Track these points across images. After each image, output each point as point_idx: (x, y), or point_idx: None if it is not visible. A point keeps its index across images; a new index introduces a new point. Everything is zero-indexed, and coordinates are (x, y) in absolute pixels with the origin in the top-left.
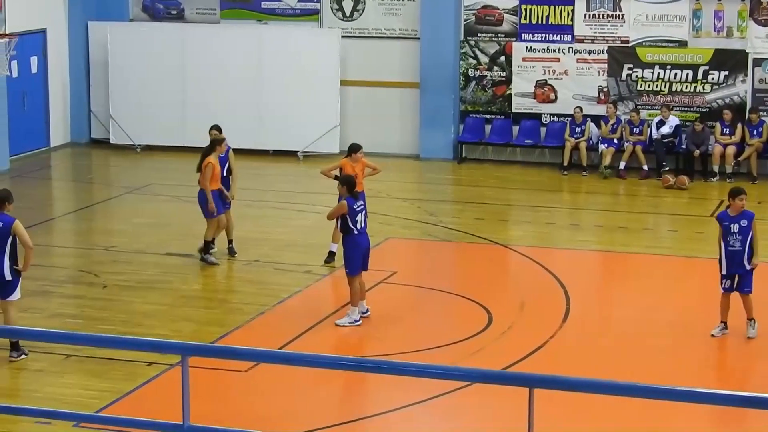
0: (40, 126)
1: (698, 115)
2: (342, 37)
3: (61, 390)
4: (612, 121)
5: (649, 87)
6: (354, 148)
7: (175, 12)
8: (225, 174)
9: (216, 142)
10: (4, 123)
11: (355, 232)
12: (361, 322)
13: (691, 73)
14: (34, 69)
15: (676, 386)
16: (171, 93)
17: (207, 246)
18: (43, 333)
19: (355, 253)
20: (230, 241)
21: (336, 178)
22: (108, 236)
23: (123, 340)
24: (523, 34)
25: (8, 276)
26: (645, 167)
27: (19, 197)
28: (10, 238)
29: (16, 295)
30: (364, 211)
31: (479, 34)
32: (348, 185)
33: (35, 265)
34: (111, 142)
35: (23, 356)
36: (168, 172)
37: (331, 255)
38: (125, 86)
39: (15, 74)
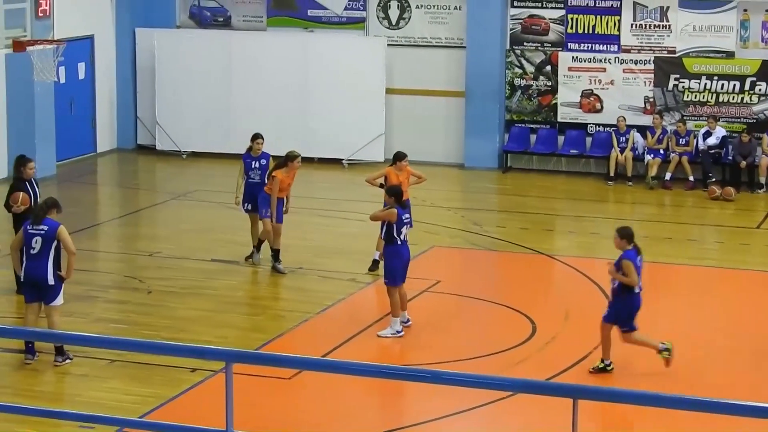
0: (86, 132)
1: (745, 126)
2: (388, 45)
3: (105, 395)
4: (658, 132)
5: (695, 98)
6: (399, 156)
7: (221, 19)
8: (266, 181)
9: (289, 158)
10: (52, 128)
11: (398, 243)
12: (403, 333)
13: (738, 84)
14: (81, 75)
15: (721, 399)
16: (217, 100)
17: (277, 254)
18: (87, 338)
19: (397, 263)
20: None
21: (381, 186)
22: (153, 242)
23: (167, 345)
24: (569, 44)
25: (51, 281)
26: (691, 178)
27: (65, 202)
28: (55, 243)
29: (59, 300)
30: (409, 224)
31: (525, 44)
32: (395, 195)
33: (80, 270)
34: (157, 148)
35: (68, 361)
36: (213, 178)
37: (375, 263)
38: (171, 93)
39: (62, 80)
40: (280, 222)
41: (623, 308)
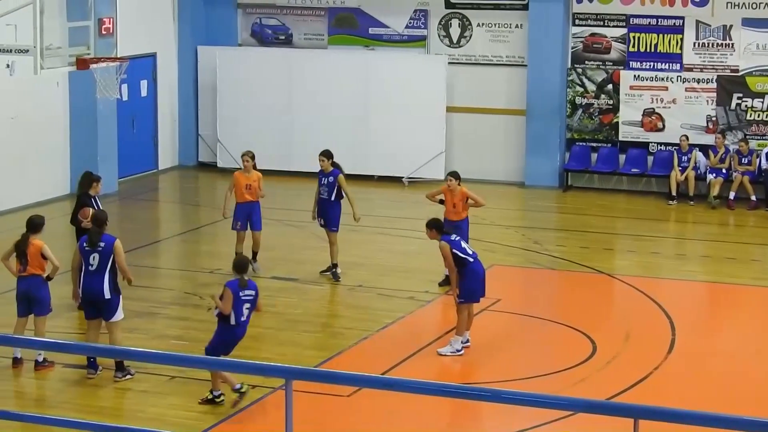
0: (148, 149)
1: None
2: (449, 63)
3: (165, 411)
4: (720, 151)
5: (758, 117)
6: (448, 175)
7: (283, 37)
8: (333, 198)
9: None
10: (114, 145)
11: (470, 260)
12: (463, 352)
13: None
14: (143, 92)
15: None
16: (278, 117)
17: (254, 256)
18: (149, 354)
19: (474, 281)
20: (335, 266)
21: (441, 202)
22: (213, 259)
23: (228, 362)
24: (631, 62)
25: (107, 295)
26: (753, 198)
27: (126, 219)
28: (112, 258)
29: (119, 315)
30: (463, 239)
31: (587, 62)
32: (436, 228)
33: (142, 286)
34: (218, 165)
35: (128, 376)
36: (274, 196)
37: (447, 278)
38: (233, 110)
39: (125, 97)
40: (243, 230)
41: (220, 338)
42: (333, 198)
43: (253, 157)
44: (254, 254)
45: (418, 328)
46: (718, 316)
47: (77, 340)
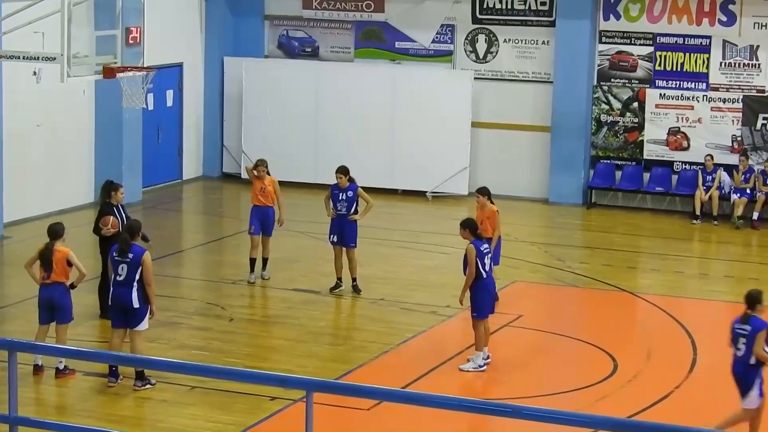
0: (173, 159)
1: None
2: (474, 78)
3: (186, 421)
4: (742, 170)
5: None
6: (477, 192)
7: (309, 50)
8: (345, 211)
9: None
10: (139, 155)
11: (484, 276)
12: (485, 367)
13: None
14: (169, 102)
15: None
16: (303, 130)
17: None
18: (170, 363)
19: (485, 297)
20: (353, 279)
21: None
22: (236, 270)
23: (249, 373)
24: (657, 81)
25: (136, 304)
26: None
27: (150, 228)
28: (140, 268)
29: (143, 325)
30: (489, 254)
31: (613, 80)
32: (470, 228)
33: (164, 296)
34: (242, 176)
35: (148, 386)
36: (298, 208)
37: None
38: (258, 122)
39: (151, 107)
40: (257, 234)
41: None
42: (351, 213)
43: (265, 165)
44: (264, 261)
45: (439, 343)
46: None
47: (98, 348)
